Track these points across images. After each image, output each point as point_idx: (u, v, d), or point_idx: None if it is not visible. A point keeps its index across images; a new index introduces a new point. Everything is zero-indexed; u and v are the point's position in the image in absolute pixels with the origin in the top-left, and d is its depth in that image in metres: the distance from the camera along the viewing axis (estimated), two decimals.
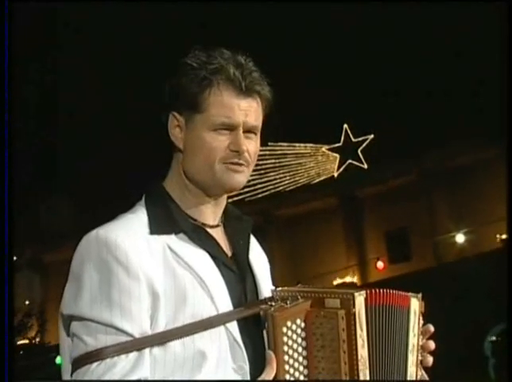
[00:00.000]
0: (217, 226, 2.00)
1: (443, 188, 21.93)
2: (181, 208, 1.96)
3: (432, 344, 2.09)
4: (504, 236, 18.95)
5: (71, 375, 1.78)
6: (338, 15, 20.94)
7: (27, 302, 23.16)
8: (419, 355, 2.04)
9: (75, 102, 23.18)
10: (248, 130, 1.94)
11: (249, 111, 1.92)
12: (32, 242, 23.20)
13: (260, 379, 1.79)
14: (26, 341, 22.82)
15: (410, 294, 2.02)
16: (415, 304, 2.02)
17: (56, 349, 16.55)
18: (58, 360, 15.85)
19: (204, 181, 1.94)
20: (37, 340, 23.70)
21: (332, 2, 19.99)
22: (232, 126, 1.90)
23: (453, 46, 20.58)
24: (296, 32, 21.97)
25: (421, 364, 2.07)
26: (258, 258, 2.12)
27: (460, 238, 20.97)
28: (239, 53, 1.94)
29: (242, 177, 1.94)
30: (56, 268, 22.64)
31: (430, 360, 2.08)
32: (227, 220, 2.05)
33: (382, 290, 1.89)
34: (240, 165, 1.93)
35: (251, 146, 1.95)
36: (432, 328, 2.09)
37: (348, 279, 22.74)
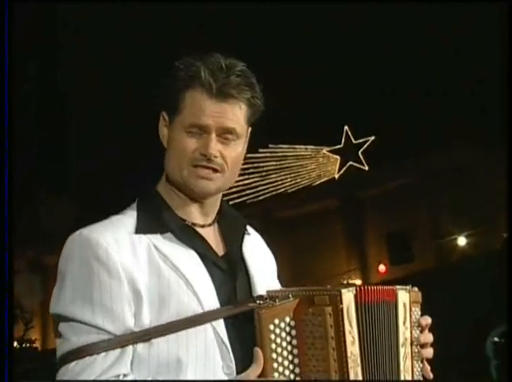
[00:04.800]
0: (209, 225, 2.00)
1: (444, 189, 21.89)
2: (171, 208, 1.96)
3: (429, 337, 2.08)
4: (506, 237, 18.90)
5: (57, 374, 1.80)
6: (338, 15, 20.94)
7: (28, 305, 23.13)
8: (414, 348, 2.02)
9: (75, 102, 23.18)
10: (223, 135, 1.92)
11: (222, 114, 1.91)
12: (33, 244, 23.20)
13: (244, 374, 1.79)
14: (27, 346, 22.80)
15: (397, 286, 2.01)
16: (404, 296, 2.02)
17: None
18: None
19: (176, 182, 1.95)
20: (39, 344, 23.67)
21: (333, 3, 20.00)
22: (203, 128, 1.90)
23: (453, 46, 20.58)
24: (297, 33, 21.97)
25: (421, 356, 2.05)
26: (259, 257, 2.10)
27: (462, 240, 20.93)
28: (231, 58, 1.94)
29: (210, 184, 1.93)
30: (56, 271, 22.60)
31: (429, 351, 2.08)
32: (222, 219, 2.05)
33: (368, 287, 1.89)
34: (209, 169, 1.91)
35: (228, 151, 1.93)
36: (428, 319, 2.08)
37: (350, 282, 22.70)
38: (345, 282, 22.05)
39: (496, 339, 10.98)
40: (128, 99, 21.57)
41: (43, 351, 22.82)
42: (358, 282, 22.79)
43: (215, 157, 1.90)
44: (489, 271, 12.86)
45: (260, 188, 24.39)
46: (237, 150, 1.95)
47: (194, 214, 1.98)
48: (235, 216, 2.08)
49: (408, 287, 2.04)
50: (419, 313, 2.07)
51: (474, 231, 20.28)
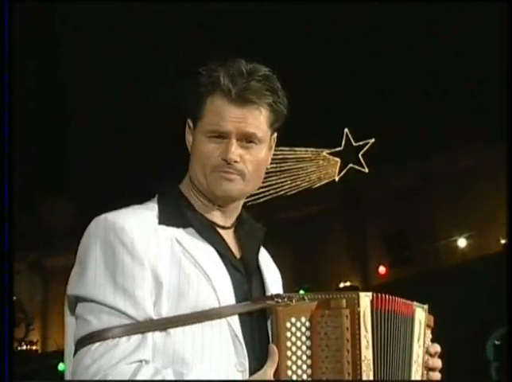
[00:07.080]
0: (228, 228, 2.04)
1: (444, 191, 21.89)
2: (193, 206, 2.00)
3: (438, 362, 2.14)
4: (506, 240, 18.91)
5: (73, 356, 1.79)
6: (338, 15, 20.93)
7: (28, 307, 23.10)
8: (424, 369, 2.06)
9: (75, 102, 23.15)
10: (244, 139, 1.95)
11: (242, 119, 1.93)
12: (34, 245, 23.16)
13: (261, 372, 1.81)
14: (27, 347, 22.77)
15: (415, 303, 2.04)
16: (420, 314, 2.05)
17: (57, 356, 16.47)
18: (60, 366, 15.75)
19: (200, 186, 1.99)
20: (39, 346, 23.65)
21: (333, 3, 19.98)
22: (223, 134, 1.94)
23: (453, 46, 20.58)
24: (297, 33, 21.95)
25: (429, 378, 2.10)
26: (270, 268, 2.14)
27: (462, 242, 20.93)
28: (255, 63, 1.97)
29: (231, 185, 1.96)
30: (57, 272, 22.60)
31: (437, 375, 2.12)
32: (240, 225, 2.08)
33: (386, 296, 1.93)
34: (231, 173, 1.94)
35: (249, 155, 1.97)
36: (437, 348, 2.14)
37: (350, 284, 22.71)
38: (342, 285, 22.06)
39: (496, 341, 10.99)
40: (128, 99, 21.53)
41: (42, 353, 22.77)
42: (358, 283, 22.79)
43: (236, 161, 1.93)
44: (489, 273, 12.84)
45: (260, 190, 24.37)
46: (259, 155, 1.98)
47: (215, 216, 2.01)
48: (254, 225, 2.10)
49: (425, 306, 2.07)
50: (430, 337, 2.10)
51: (474, 232, 20.27)
